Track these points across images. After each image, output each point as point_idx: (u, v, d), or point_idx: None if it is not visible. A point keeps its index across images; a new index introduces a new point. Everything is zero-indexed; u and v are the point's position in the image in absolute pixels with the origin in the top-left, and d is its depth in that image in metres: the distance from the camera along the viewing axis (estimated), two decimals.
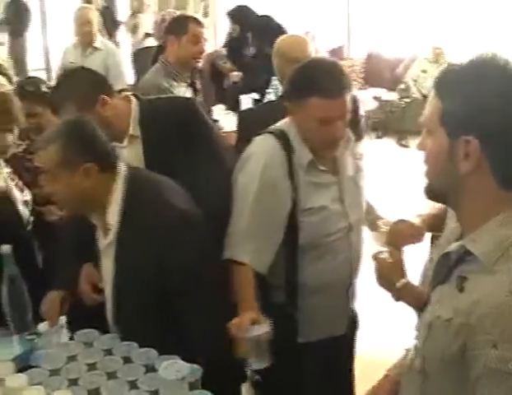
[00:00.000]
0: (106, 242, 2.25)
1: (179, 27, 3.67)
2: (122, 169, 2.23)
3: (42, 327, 2.48)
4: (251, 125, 3.12)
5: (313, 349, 2.57)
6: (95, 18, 5.91)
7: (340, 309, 2.67)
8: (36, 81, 3.39)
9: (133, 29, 9.31)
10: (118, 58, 5.87)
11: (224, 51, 6.47)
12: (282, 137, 2.45)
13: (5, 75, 4.19)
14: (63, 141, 2.14)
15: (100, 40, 5.93)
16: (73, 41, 6.00)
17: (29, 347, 2.34)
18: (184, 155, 2.50)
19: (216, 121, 4.02)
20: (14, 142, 3.03)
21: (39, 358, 2.24)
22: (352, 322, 2.80)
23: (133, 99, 2.78)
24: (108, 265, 2.28)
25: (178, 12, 5.85)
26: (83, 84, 2.67)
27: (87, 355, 2.19)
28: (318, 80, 2.33)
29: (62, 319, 2.50)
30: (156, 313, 2.19)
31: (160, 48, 4.96)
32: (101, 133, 2.21)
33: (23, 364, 2.23)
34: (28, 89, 3.22)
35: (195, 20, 3.75)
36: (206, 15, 9.10)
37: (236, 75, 6.03)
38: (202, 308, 2.16)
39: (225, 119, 4.22)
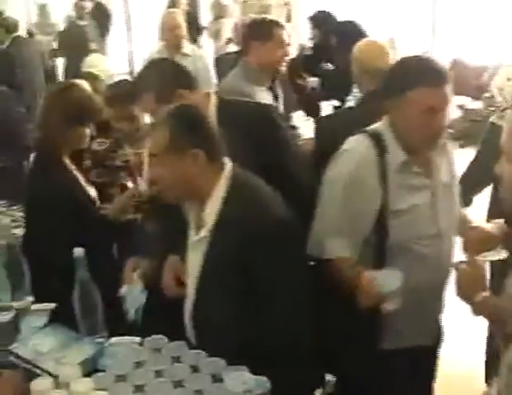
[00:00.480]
0: (197, 237, 2.25)
1: (264, 32, 3.59)
2: (227, 166, 2.22)
3: (123, 289, 2.65)
4: (328, 132, 3.06)
5: (395, 357, 2.51)
6: (184, 23, 5.71)
7: (427, 319, 2.61)
8: (127, 83, 3.40)
9: (216, 34, 9.37)
10: (207, 64, 5.75)
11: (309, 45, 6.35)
12: (376, 137, 2.46)
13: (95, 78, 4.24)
14: (172, 124, 2.16)
15: (188, 46, 5.73)
16: (159, 46, 5.76)
17: (97, 351, 2.34)
18: (254, 162, 2.45)
19: (295, 128, 3.95)
20: (92, 138, 3.14)
21: (107, 362, 2.24)
22: (438, 334, 2.74)
23: (214, 97, 2.79)
24: (195, 260, 2.27)
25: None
26: (164, 75, 2.72)
27: (155, 361, 2.17)
28: (423, 69, 2.35)
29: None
30: (237, 314, 2.17)
31: (241, 53, 4.93)
32: (212, 124, 2.22)
33: (91, 368, 2.24)
34: (123, 92, 3.25)
35: (278, 24, 3.67)
36: (288, 20, 9.05)
37: (314, 81, 5.95)
38: (286, 314, 2.14)
39: (304, 126, 4.14)
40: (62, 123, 2.93)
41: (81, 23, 9.76)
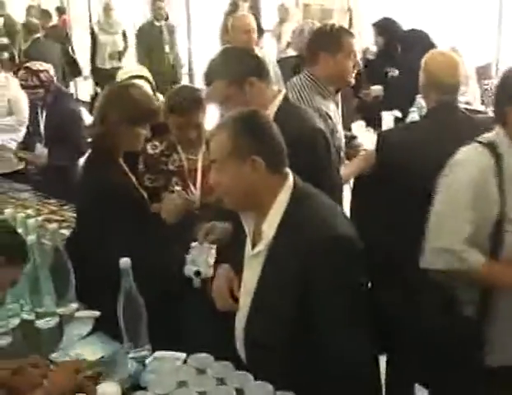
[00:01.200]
0: (254, 251, 2.14)
1: (333, 43, 3.40)
2: (289, 177, 2.13)
3: (193, 245, 2.74)
4: (392, 147, 2.92)
5: (501, 375, 2.40)
6: (255, 26, 5.46)
7: None
8: (196, 91, 3.28)
9: (278, 37, 9.30)
10: (277, 69, 5.38)
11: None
12: (491, 146, 2.42)
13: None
14: (234, 128, 2.08)
15: (259, 50, 5.46)
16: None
17: (140, 367, 2.25)
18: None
19: (354, 137, 3.80)
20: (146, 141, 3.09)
21: (149, 378, 2.16)
22: None
23: (281, 95, 2.74)
24: (251, 275, 2.16)
25: (316, 23, 5.63)
26: (237, 61, 2.69)
27: (198, 382, 2.07)
28: None
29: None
30: (292, 330, 2.05)
31: (300, 60, 4.78)
32: (277, 133, 2.12)
33: (132, 384, 2.16)
34: (190, 99, 3.15)
35: (347, 32, 3.48)
36: (350, 25, 8.90)
37: (377, 89, 5.79)
38: (347, 338, 2.03)
39: (364, 136, 3.99)
40: (119, 123, 2.86)
41: (158, 24, 9.46)
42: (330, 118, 3.28)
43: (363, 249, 2.10)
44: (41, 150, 4.74)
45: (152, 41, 9.19)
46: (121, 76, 4.22)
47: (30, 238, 2.56)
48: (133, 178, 3.04)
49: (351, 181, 3.67)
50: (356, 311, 2.03)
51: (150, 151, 3.31)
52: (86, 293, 2.73)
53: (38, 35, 8.49)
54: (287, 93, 2.87)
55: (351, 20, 9.47)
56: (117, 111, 2.86)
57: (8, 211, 2.98)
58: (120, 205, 2.76)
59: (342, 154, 3.46)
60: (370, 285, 2.34)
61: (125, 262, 2.28)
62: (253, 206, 2.14)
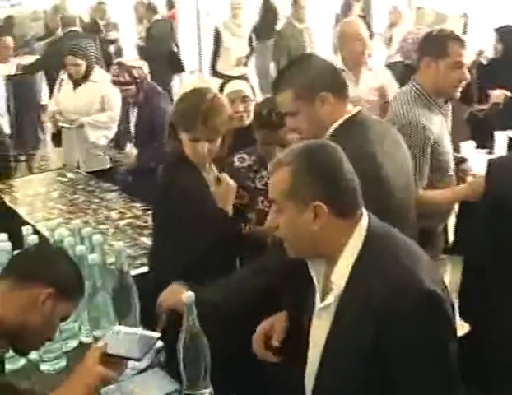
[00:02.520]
0: (323, 304, 1.86)
1: (438, 48, 3.06)
2: (364, 219, 1.82)
3: None
4: (501, 178, 2.54)
5: None
6: (366, 33, 4.80)
7: None
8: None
9: (388, 41, 8.87)
10: (391, 76, 4.85)
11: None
12: None
13: None
14: (297, 167, 1.79)
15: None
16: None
17: None
18: None
19: (464, 160, 3.41)
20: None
21: None
22: None
23: (352, 111, 2.42)
24: (320, 329, 1.88)
25: (426, 29, 5.20)
26: (309, 73, 2.41)
27: None
28: None
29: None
30: (367, 389, 1.77)
31: (408, 68, 4.43)
32: (348, 171, 1.81)
33: None
34: (271, 116, 2.87)
35: (456, 39, 3.11)
36: (465, 32, 8.38)
37: (499, 95, 5.27)
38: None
39: (475, 159, 3.57)
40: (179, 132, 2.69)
41: (300, 26, 8.51)
42: (431, 132, 2.98)
43: (451, 305, 1.80)
44: (131, 150, 4.59)
45: (293, 45, 8.26)
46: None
47: (92, 257, 2.36)
48: None
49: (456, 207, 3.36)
50: (444, 376, 1.73)
51: (236, 163, 3.07)
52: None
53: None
54: (361, 112, 2.49)
55: (465, 25, 8.94)
56: (177, 121, 2.70)
57: (75, 223, 2.78)
58: (195, 210, 2.60)
59: (451, 174, 3.15)
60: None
61: (189, 296, 2.03)
62: (318, 255, 1.86)
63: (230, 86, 3.58)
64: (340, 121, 2.37)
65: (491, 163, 2.70)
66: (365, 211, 1.84)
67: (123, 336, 2.00)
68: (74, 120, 5.24)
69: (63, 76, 5.40)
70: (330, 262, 1.82)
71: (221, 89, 3.61)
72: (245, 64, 8.53)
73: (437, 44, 3.08)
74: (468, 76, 3.13)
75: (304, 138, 2.47)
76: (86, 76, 5.20)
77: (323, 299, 1.87)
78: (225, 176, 2.78)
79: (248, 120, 3.38)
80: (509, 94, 5.29)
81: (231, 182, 2.77)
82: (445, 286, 1.84)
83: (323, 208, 1.75)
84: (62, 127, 5.42)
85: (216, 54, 8.47)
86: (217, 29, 8.51)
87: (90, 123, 5.19)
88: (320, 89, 2.35)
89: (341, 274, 1.79)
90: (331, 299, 1.81)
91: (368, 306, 1.71)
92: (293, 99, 2.38)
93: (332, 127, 2.37)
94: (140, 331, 2.12)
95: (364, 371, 1.74)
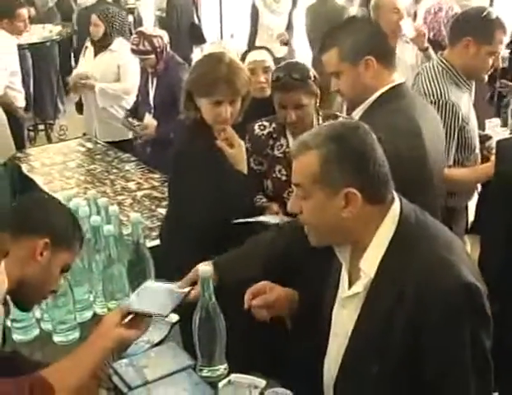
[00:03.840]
0: (350, 292, 1.78)
1: (484, 32, 2.95)
2: (396, 204, 1.73)
3: None
4: (509, 158, 2.47)
5: None
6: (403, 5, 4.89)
7: None
8: (303, 67, 2.96)
9: (414, 16, 8.71)
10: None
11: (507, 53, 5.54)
12: None
13: None
14: (327, 151, 1.68)
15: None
16: None
17: (211, 390, 2.00)
18: None
19: (489, 138, 3.31)
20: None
21: None
22: None
23: (396, 81, 2.40)
24: (346, 319, 1.80)
25: (455, 5, 5.06)
26: (356, 35, 2.39)
27: None
28: None
29: None
30: (394, 383, 1.69)
31: (433, 42, 4.34)
32: (380, 155, 1.71)
33: None
34: (296, 77, 2.83)
35: (502, 27, 3.00)
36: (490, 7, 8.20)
37: None
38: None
39: (499, 136, 3.47)
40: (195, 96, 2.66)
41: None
42: (460, 109, 2.91)
43: (487, 298, 1.67)
44: (150, 120, 4.53)
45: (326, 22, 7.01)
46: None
47: (108, 228, 2.32)
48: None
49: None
50: (479, 374, 1.64)
51: (257, 130, 3.02)
52: None
53: None
54: (405, 83, 2.47)
55: (492, 1, 8.76)
56: (196, 87, 2.66)
57: (92, 193, 2.74)
58: (199, 176, 2.58)
59: (477, 152, 3.09)
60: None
61: (205, 271, 1.99)
62: (346, 242, 1.77)
63: (252, 56, 3.49)
64: (384, 89, 2.35)
65: (499, 143, 2.64)
66: (396, 195, 1.75)
67: (151, 292, 1.97)
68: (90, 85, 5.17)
69: (87, 43, 5.35)
70: (358, 249, 1.74)
71: (243, 58, 3.55)
72: (286, 43, 7.77)
73: (484, 29, 2.96)
74: (500, 61, 3.06)
75: (347, 100, 2.56)
76: (106, 45, 5.13)
77: (350, 288, 1.79)
78: (234, 136, 2.73)
79: (269, 90, 3.33)
80: None
81: (241, 142, 2.74)
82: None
83: (356, 195, 1.66)
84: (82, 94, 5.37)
85: (253, 33, 7.79)
86: (254, 4, 7.77)
87: (102, 88, 5.09)
88: (365, 52, 2.33)
89: (371, 262, 1.70)
90: (359, 287, 1.72)
91: (401, 297, 1.63)
92: (337, 59, 2.37)
93: (377, 94, 2.35)
94: (170, 286, 2.05)
95: (392, 367, 1.66)
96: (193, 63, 2.81)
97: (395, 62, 2.44)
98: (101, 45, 5.15)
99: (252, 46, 7.17)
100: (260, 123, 3.02)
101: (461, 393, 1.64)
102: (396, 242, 1.69)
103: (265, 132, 3.00)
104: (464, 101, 2.99)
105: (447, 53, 3.05)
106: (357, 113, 2.41)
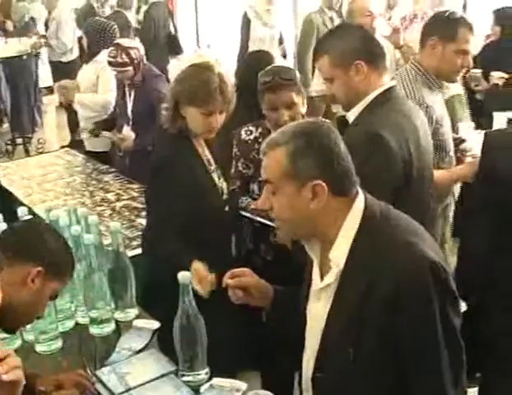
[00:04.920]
0: (321, 284, 1.82)
1: (447, 31, 3.01)
2: (360, 197, 1.80)
3: None
4: (496, 151, 2.53)
5: None
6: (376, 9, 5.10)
7: None
8: (289, 68, 3.06)
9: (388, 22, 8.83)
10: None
11: (479, 73, 5.63)
12: None
13: None
14: (295, 146, 1.75)
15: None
16: None
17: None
18: None
19: (462, 141, 3.38)
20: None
21: None
22: None
23: (387, 83, 2.50)
24: (319, 311, 1.84)
25: (430, 12, 5.17)
26: (345, 41, 2.48)
27: None
28: None
29: None
30: (371, 381, 1.74)
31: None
32: (343, 149, 1.79)
33: None
34: (285, 77, 2.89)
35: (467, 25, 3.08)
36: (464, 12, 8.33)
37: (499, 77, 5.21)
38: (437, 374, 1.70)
39: (474, 140, 3.54)
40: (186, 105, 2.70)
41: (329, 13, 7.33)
42: (434, 111, 2.98)
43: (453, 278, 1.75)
44: (128, 132, 4.55)
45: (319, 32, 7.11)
46: None
47: (88, 237, 2.34)
48: (210, 162, 2.86)
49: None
50: (450, 348, 1.70)
51: (243, 135, 3.10)
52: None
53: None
54: (396, 86, 2.57)
55: (464, 7, 8.88)
56: (188, 97, 2.69)
57: (71, 203, 2.76)
58: (172, 183, 2.61)
59: (451, 155, 3.15)
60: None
61: (185, 277, 2.02)
62: (314, 235, 1.83)
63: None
64: (378, 92, 2.44)
65: (486, 135, 2.69)
66: (360, 190, 1.81)
67: None
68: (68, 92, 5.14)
69: None
70: (327, 242, 1.79)
71: None
72: (284, 56, 7.56)
73: (447, 27, 3.03)
74: (471, 62, 3.11)
75: (341, 105, 2.63)
76: (91, 56, 5.13)
77: (322, 280, 1.83)
78: None
79: None
80: (506, 76, 5.26)
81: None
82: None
83: (322, 187, 1.72)
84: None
85: (246, 44, 7.41)
86: (246, 14, 7.48)
87: (81, 100, 5.07)
88: (355, 57, 2.42)
89: (340, 252, 1.76)
90: (331, 278, 1.78)
91: (371, 282, 1.69)
92: (329, 65, 2.48)
93: (371, 96, 2.44)
94: None
95: (369, 351, 1.71)
96: (180, 74, 2.82)
97: (385, 64, 2.53)
98: (87, 56, 5.20)
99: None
100: (246, 129, 3.09)
101: (434, 369, 1.69)
102: (362, 232, 1.75)
103: (251, 137, 3.06)
104: (437, 104, 3.04)
105: (418, 56, 3.12)
106: (353, 114, 2.50)
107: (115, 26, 5.22)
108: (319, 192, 1.72)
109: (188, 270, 2.20)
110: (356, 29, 2.68)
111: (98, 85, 5.05)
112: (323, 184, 1.72)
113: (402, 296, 1.64)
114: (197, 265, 2.44)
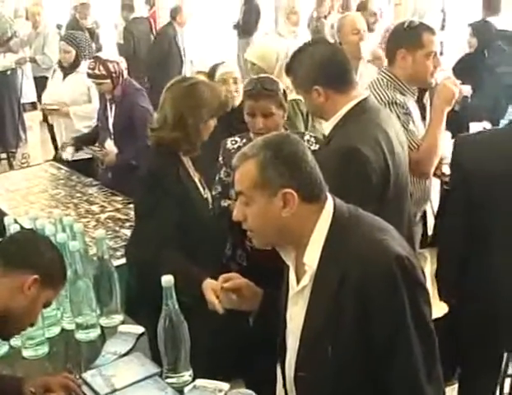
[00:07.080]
0: (299, 287, 1.89)
1: (413, 39, 3.12)
2: (329, 202, 1.88)
3: None
4: (467, 153, 2.63)
5: None
6: (365, 27, 5.08)
7: None
8: (274, 80, 3.11)
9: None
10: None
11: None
12: None
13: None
14: (263, 157, 1.83)
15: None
16: None
17: None
18: None
19: None
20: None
21: None
22: None
23: (359, 97, 2.54)
24: (299, 312, 1.91)
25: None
26: (304, 67, 2.55)
27: None
28: None
29: None
30: (351, 376, 1.81)
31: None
32: (310, 158, 1.87)
33: None
34: (267, 87, 2.98)
35: (428, 29, 3.18)
36: (443, 27, 8.49)
37: (465, 89, 5.34)
38: (414, 378, 1.77)
39: (448, 148, 3.63)
40: (196, 123, 2.78)
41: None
42: (408, 112, 3.06)
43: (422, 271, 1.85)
44: (110, 147, 4.59)
45: None
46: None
47: (73, 244, 2.40)
48: (197, 177, 2.92)
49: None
50: (421, 334, 1.78)
51: (229, 145, 3.22)
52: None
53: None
54: (370, 97, 2.62)
55: (443, 21, 9.06)
56: (192, 113, 2.75)
57: (57, 213, 2.82)
58: (165, 195, 2.65)
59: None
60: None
61: (168, 281, 2.08)
62: (288, 242, 1.90)
63: (223, 67, 3.87)
64: (349, 106, 2.49)
65: (457, 139, 2.78)
66: (329, 195, 1.89)
67: None
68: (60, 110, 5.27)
69: (55, 66, 5.46)
70: (300, 247, 1.86)
71: (213, 70, 3.78)
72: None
73: (411, 37, 3.12)
74: (441, 61, 3.20)
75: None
76: (74, 67, 5.22)
77: (297, 284, 1.90)
78: None
79: (238, 100, 3.64)
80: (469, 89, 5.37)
81: None
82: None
83: (292, 195, 1.79)
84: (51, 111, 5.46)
85: None
86: None
87: (75, 112, 5.18)
88: (313, 82, 2.48)
89: (313, 255, 1.83)
90: (306, 280, 1.85)
91: (344, 278, 1.76)
92: (294, 86, 2.62)
93: (343, 111, 2.49)
94: None
95: (345, 346, 1.77)
96: (184, 89, 2.83)
97: (351, 80, 2.55)
98: (70, 68, 5.26)
99: None
100: (232, 139, 3.21)
101: (406, 356, 1.76)
102: (333, 233, 1.83)
103: (235, 146, 3.16)
104: (411, 106, 3.12)
105: (390, 67, 3.18)
106: (327, 128, 2.56)
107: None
108: (290, 200, 1.79)
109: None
110: (318, 49, 2.62)
111: (90, 95, 5.16)
112: (293, 192, 1.79)
113: (371, 287, 1.72)
114: (209, 283, 2.35)
